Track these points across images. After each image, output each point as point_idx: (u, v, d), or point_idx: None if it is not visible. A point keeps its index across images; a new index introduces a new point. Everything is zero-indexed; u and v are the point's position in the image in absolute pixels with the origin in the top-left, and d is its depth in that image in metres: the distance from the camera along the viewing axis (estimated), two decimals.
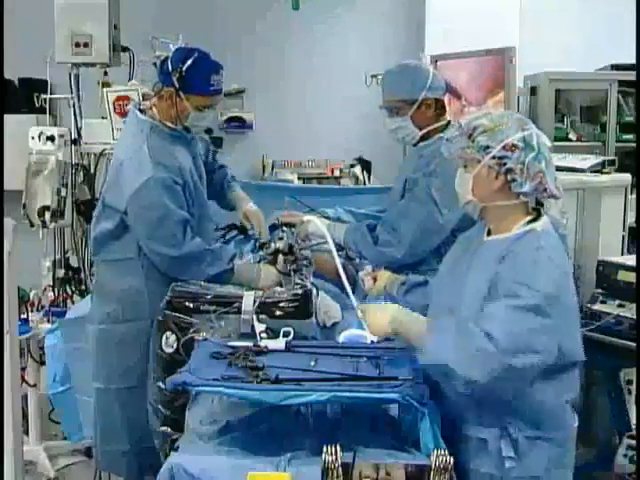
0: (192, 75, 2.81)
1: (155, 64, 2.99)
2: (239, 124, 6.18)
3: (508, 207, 2.15)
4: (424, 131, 2.91)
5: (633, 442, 3.43)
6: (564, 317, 2.08)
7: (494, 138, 2.10)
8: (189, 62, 2.80)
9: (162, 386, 2.44)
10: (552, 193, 2.13)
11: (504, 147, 2.08)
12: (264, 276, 2.85)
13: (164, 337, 2.54)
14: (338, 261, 2.68)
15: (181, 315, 2.52)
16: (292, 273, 2.77)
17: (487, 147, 2.10)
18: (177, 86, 2.82)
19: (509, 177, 2.10)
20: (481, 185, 2.14)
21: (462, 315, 2.12)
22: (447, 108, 3.01)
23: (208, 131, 3.09)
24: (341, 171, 6.18)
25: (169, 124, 2.91)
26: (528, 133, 2.11)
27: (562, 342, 2.07)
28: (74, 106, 4.28)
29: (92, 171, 4.19)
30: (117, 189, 2.86)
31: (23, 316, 3.74)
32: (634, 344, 3.08)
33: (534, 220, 2.16)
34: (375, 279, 2.71)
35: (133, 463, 2.99)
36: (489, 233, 2.23)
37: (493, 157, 2.09)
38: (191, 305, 2.55)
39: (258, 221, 3.17)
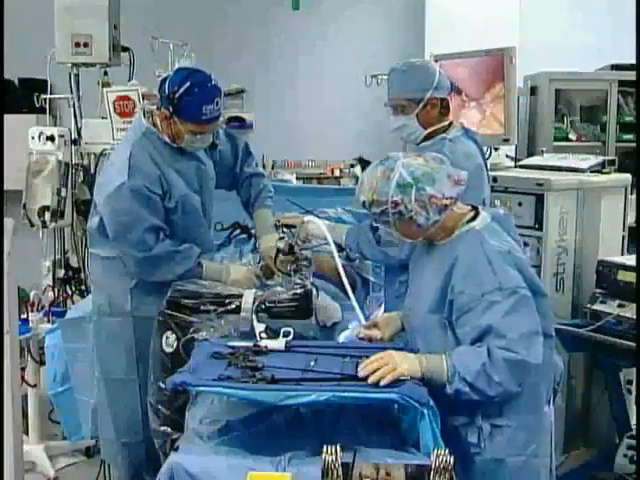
0: (184, 103, 2.74)
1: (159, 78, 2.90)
2: (239, 124, 6.16)
3: (443, 221, 2.24)
4: (429, 130, 2.89)
5: (633, 442, 3.44)
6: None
7: (380, 202, 2.19)
8: (182, 90, 2.72)
9: (162, 386, 2.45)
10: (452, 197, 2.20)
11: (392, 207, 2.18)
12: (233, 271, 2.88)
13: (164, 337, 2.55)
14: (338, 261, 2.69)
15: (181, 315, 2.53)
16: (292, 273, 2.77)
17: (382, 212, 2.20)
18: (170, 110, 2.78)
19: (417, 221, 2.19)
20: (411, 233, 2.26)
21: (418, 321, 2.29)
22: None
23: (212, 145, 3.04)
24: (341, 171, 6.18)
25: (167, 139, 2.89)
26: (397, 177, 2.17)
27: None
28: (74, 106, 4.28)
29: (92, 171, 4.19)
30: (99, 188, 2.93)
31: (23, 316, 3.74)
32: (634, 344, 3.08)
33: (473, 219, 2.26)
34: (375, 325, 2.54)
35: (118, 453, 3.03)
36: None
37: (394, 214, 2.19)
38: (191, 305, 2.55)
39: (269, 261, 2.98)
